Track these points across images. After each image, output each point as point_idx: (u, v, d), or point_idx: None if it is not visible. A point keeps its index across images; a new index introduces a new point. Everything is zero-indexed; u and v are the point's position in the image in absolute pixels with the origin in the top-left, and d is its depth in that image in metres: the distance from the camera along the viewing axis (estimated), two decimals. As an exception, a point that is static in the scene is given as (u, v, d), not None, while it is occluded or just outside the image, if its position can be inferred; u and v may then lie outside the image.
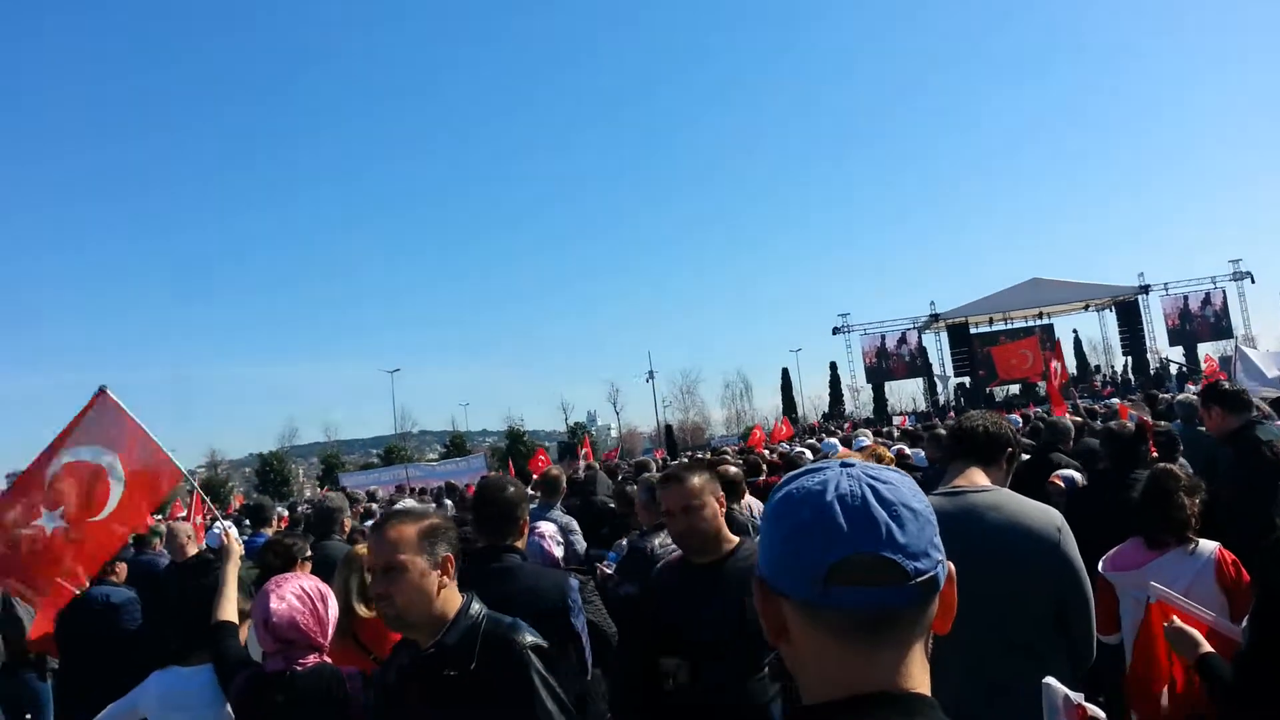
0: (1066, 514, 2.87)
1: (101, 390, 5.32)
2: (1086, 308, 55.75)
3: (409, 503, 6.08)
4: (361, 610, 3.66)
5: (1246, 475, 4.81)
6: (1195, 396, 7.62)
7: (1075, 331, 61.93)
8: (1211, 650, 3.03)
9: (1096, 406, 16.27)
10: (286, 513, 15.72)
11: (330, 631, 3.10)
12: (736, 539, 3.30)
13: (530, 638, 2.48)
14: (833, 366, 70.15)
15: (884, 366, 56.80)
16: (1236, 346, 16.94)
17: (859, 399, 65.93)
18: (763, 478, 9.11)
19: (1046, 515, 2.79)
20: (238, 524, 8.31)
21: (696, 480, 3.24)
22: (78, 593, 6.25)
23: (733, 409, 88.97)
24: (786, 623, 1.06)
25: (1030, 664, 2.60)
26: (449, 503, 11.74)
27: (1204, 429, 5.97)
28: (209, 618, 3.50)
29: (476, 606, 2.53)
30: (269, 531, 7.44)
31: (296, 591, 3.07)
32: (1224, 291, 51.59)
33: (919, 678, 1.03)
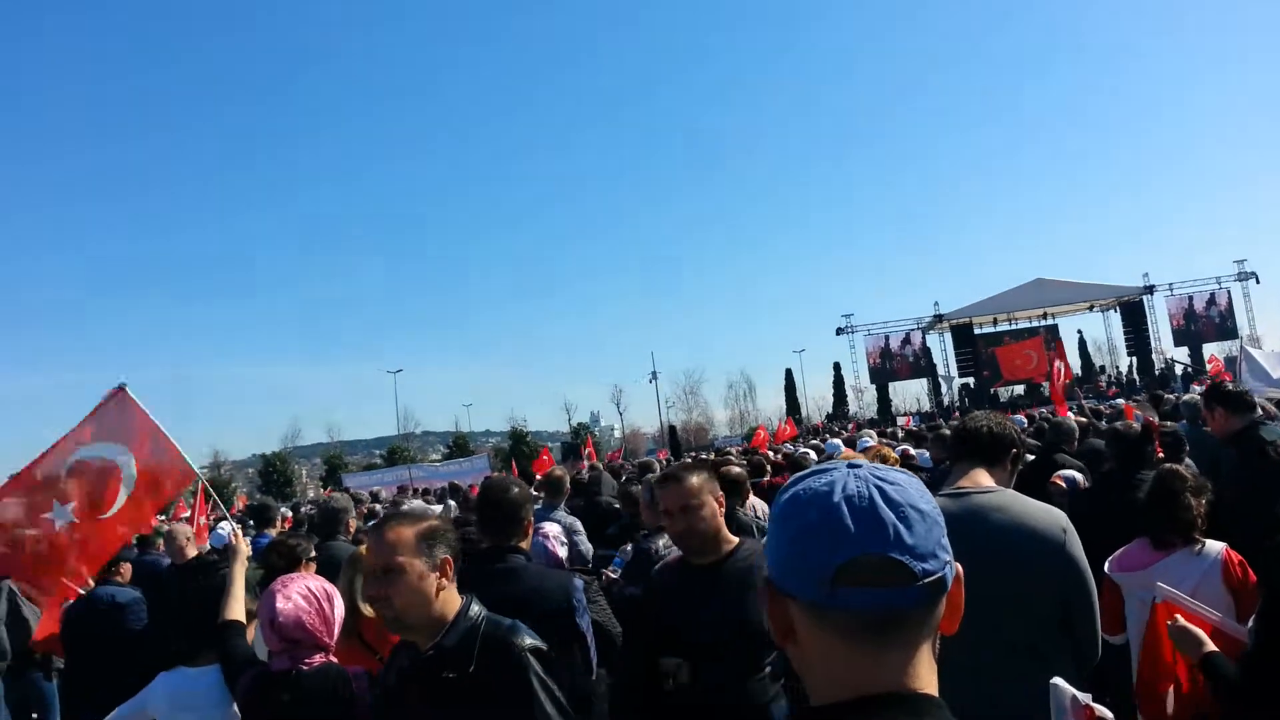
0: (1072, 514, 2.87)
1: (121, 388, 5.33)
2: (1091, 308, 55.75)
3: (417, 504, 6.09)
4: (367, 610, 3.66)
5: (1250, 476, 4.80)
6: (1200, 397, 7.60)
7: (1080, 332, 61.94)
8: (1215, 649, 3.03)
9: (1102, 407, 16.26)
10: (290, 513, 15.72)
11: (336, 631, 3.10)
12: (736, 539, 3.29)
13: (529, 640, 2.47)
14: (836, 367, 70.22)
15: (888, 367, 56.81)
16: (1241, 347, 16.92)
17: (863, 399, 65.90)
18: (767, 478, 9.12)
19: (1051, 516, 2.78)
20: (241, 525, 8.31)
21: (695, 480, 3.23)
22: (82, 593, 6.27)
23: (736, 409, 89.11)
24: (793, 624, 1.06)
25: (1035, 664, 2.60)
26: (452, 503, 11.74)
27: (1209, 429, 5.96)
28: (210, 619, 3.50)
29: (476, 608, 2.52)
30: (272, 532, 7.47)
31: (302, 591, 3.07)
32: (1229, 292, 51.61)
33: (927, 678, 1.03)
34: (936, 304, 54.48)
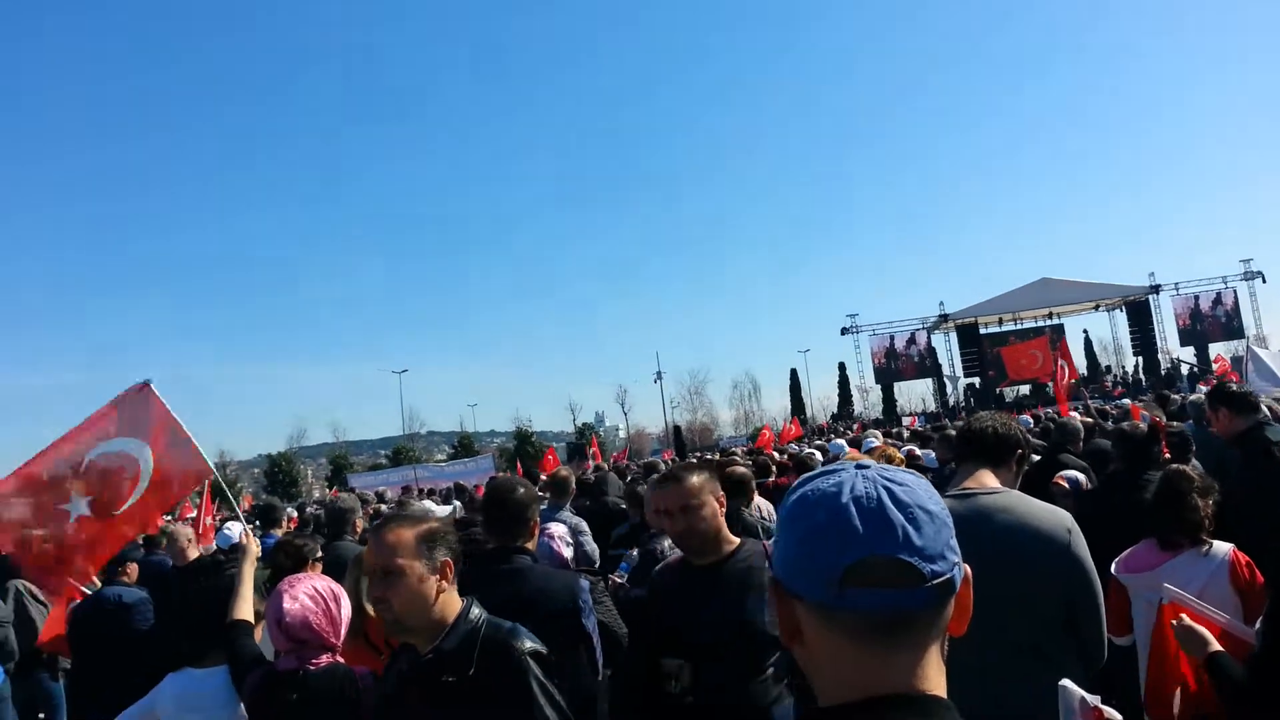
0: (1078, 515, 2.86)
1: (146, 384, 5.36)
2: (1097, 308, 55.65)
3: (426, 504, 6.10)
4: (373, 611, 3.67)
5: (1255, 477, 4.79)
6: (1205, 398, 7.58)
7: (1085, 332, 61.96)
8: (1221, 649, 3.02)
9: (1108, 407, 16.22)
10: (295, 513, 15.75)
11: (343, 631, 3.11)
12: (737, 540, 3.27)
13: (529, 643, 2.45)
14: (841, 367, 70.28)
15: (893, 367, 56.73)
16: (1248, 346, 16.86)
17: (868, 400, 65.84)
18: (772, 479, 9.11)
19: (1057, 517, 2.78)
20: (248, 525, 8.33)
21: (695, 480, 3.21)
22: (88, 593, 6.29)
23: (741, 410, 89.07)
24: (801, 625, 1.06)
25: (1040, 665, 2.60)
26: (458, 503, 11.75)
27: (1213, 430, 5.95)
28: (212, 620, 3.51)
29: (476, 611, 2.51)
30: (279, 532, 7.48)
31: (309, 591, 3.08)
32: (1235, 291, 51.44)
33: (935, 679, 1.03)
34: (942, 304, 54.53)
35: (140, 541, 9.50)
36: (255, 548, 4.03)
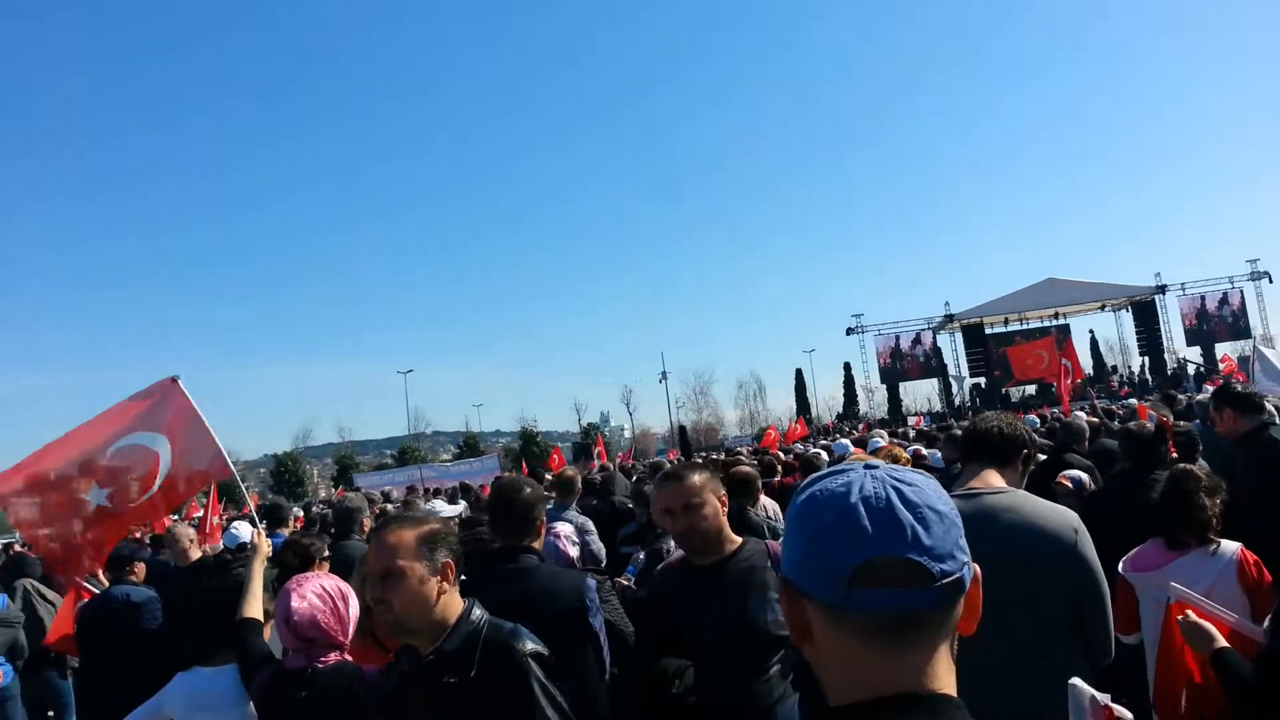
0: (1086, 515, 2.86)
1: (174, 380, 5.39)
2: (1103, 308, 55.55)
3: (437, 503, 6.12)
4: (374, 612, 3.68)
5: (1260, 477, 4.78)
6: (1210, 398, 7.57)
7: (1091, 332, 61.82)
8: (1227, 645, 3.02)
9: (1114, 407, 16.19)
10: (301, 513, 15.78)
11: (351, 630, 3.12)
12: (739, 540, 3.26)
13: (531, 645, 2.45)
14: (847, 367, 70.10)
15: (898, 367, 56.70)
16: (1255, 346, 16.80)
17: (873, 399, 65.84)
18: (778, 478, 9.11)
19: (1063, 517, 2.78)
20: (254, 524, 8.35)
21: (696, 478, 3.20)
22: (96, 592, 6.31)
23: (746, 410, 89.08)
24: (810, 624, 1.06)
25: (1046, 665, 2.60)
26: (464, 503, 11.77)
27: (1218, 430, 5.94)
28: (215, 619, 3.52)
29: (478, 612, 2.50)
30: (285, 532, 7.49)
31: (317, 590, 3.09)
32: (1241, 291, 51.38)
33: (945, 679, 1.03)
34: (947, 304, 54.49)
35: (147, 541, 9.54)
36: (266, 547, 4.04)
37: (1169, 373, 46.48)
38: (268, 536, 5.45)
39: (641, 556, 5.47)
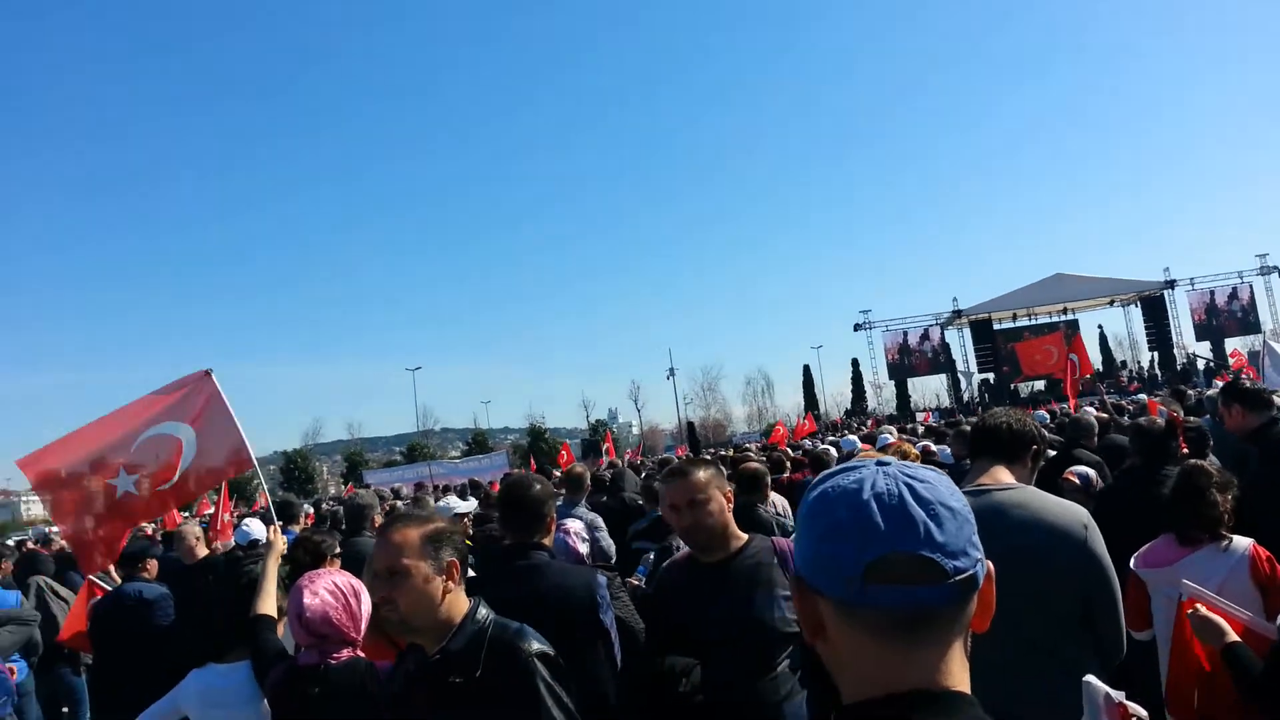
0: (1097, 511, 2.86)
1: (207, 373, 5.43)
2: (1112, 303, 55.35)
3: (451, 500, 6.14)
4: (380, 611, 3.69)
5: (1271, 472, 4.77)
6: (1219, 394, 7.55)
7: (1100, 327, 61.68)
8: (1238, 640, 3.02)
9: (1124, 402, 16.14)
10: (312, 510, 15.82)
11: (363, 626, 3.13)
12: (745, 536, 3.25)
13: (537, 645, 2.43)
14: (854, 363, 70.07)
15: (907, 363, 56.52)
16: (1265, 341, 16.74)
17: (882, 395, 65.63)
18: (787, 475, 9.11)
19: (1073, 513, 2.77)
20: (265, 521, 8.40)
21: (701, 474, 3.19)
22: (109, 589, 6.34)
23: (754, 406, 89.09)
24: (823, 621, 1.06)
25: (1056, 661, 2.61)
26: (473, 500, 11.77)
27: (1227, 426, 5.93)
28: (221, 616, 3.54)
29: (483, 612, 2.49)
30: (296, 529, 7.53)
31: (330, 587, 3.10)
32: (1251, 286, 51.08)
33: (959, 675, 1.03)
34: (955, 299, 54.27)
35: (159, 539, 9.58)
36: (281, 543, 4.06)
37: (1178, 368, 46.29)
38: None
39: (652, 556, 5.48)
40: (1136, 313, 55.00)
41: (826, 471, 1.14)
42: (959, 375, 55.84)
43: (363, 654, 3.12)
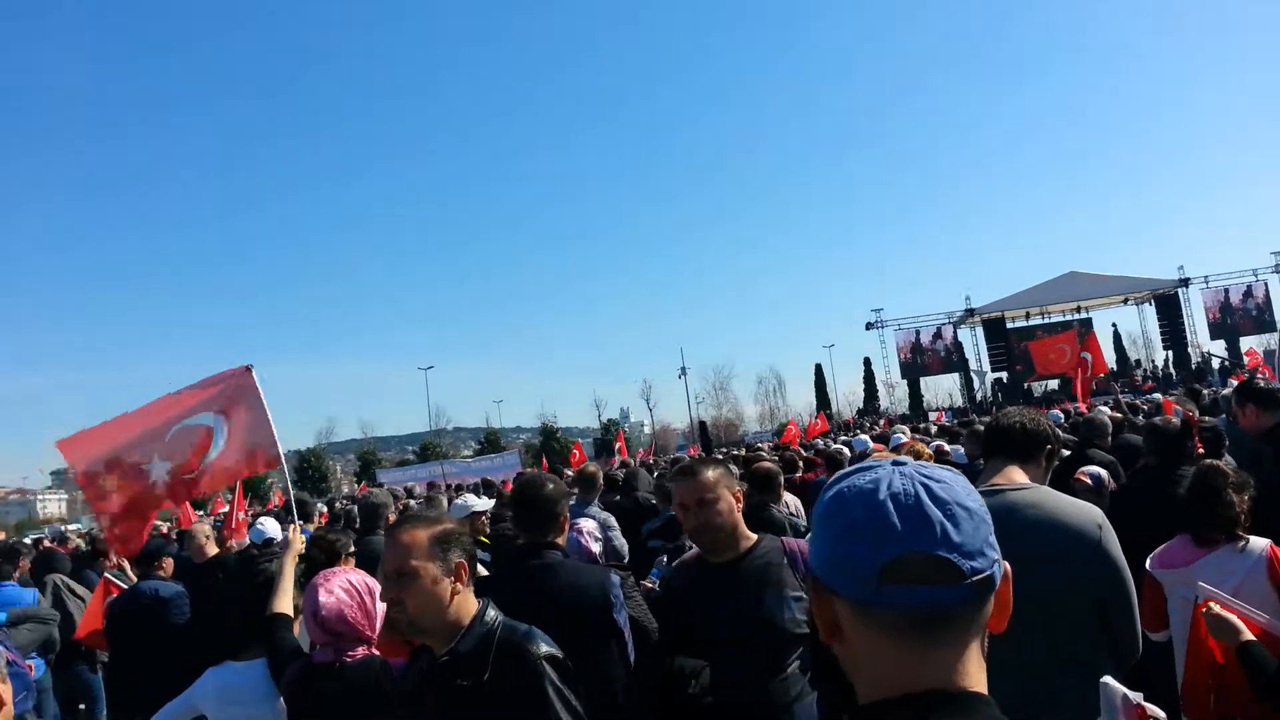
0: (1111, 511, 2.85)
1: (248, 368, 5.49)
2: (1125, 301, 55.07)
3: (469, 498, 6.15)
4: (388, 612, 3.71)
5: (1284, 472, 4.75)
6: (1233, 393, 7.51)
7: (1114, 326, 61.33)
8: (1253, 639, 3.01)
9: (1138, 402, 16.06)
10: (325, 509, 15.88)
11: (378, 624, 3.14)
12: (754, 537, 3.24)
13: (545, 648, 2.43)
14: (867, 362, 69.82)
15: (919, 362, 56.34)
16: (1280, 340, 16.61)
17: (894, 395, 65.43)
18: (799, 474, 9.11)
19: (1087, 513, 2.76)
20: (280, 520, 8.44)
21: (710, 474, 3.18)
22: (125, 587, 6.39)
23: (766, 405, 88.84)
24: (839, 621, 1.06)
25: (1071, 663, 2.60)
26: (489, 498, 11.80)
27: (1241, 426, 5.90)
28: (239, 614, 3.56)
29: (492, 613, 2.49)
30: (310, 527, 7.56)
31: (344, 585, 3.12)
32: (1266, 284, 50.70)
33: (975, 676, 1.03)
34: (968, 298, 54.03)
35: (174, 537, 9.64)
36: (299, 542, 4.08)
37: (1193, 367, 46.02)
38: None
39: (665, 559, 5.48)
40: (1150, 311, 54.65)
41: (842, 471, 1.14)
42: (972, 374, 55.60)
43: (378, 652, 3.14)
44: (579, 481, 7.89)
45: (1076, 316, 52.19)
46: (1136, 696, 1.73)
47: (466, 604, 2.47)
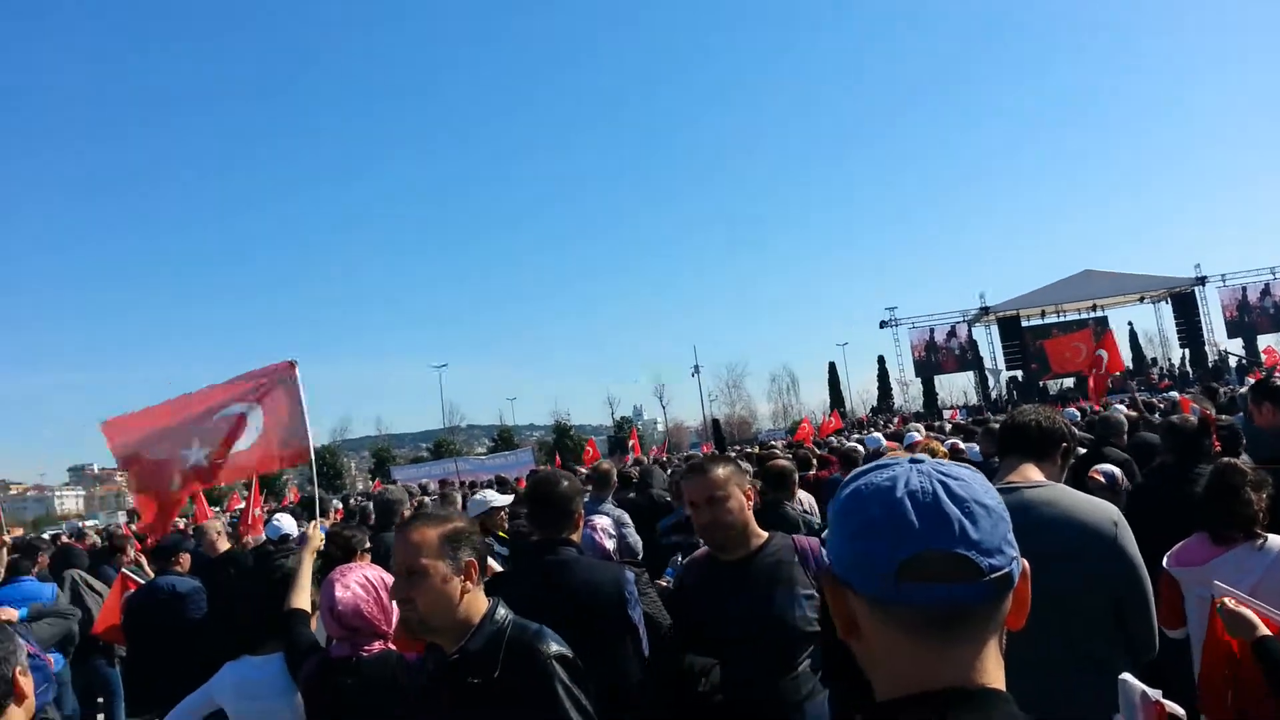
0: (1128, 509, 2.84)
1: (292, 364, 5.55)
2: (1142, 300, 54.77)
3: (487, 493, 6.17)
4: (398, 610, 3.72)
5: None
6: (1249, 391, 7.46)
7: (1130, 324, 60.96)
8: (1269, 633, 2.99)
9: (1154, 400, 15.97)
10: (340, 505, 15.96)
11: (394, 619, 3.16)
12: (765, 534, 3.23)
13: (555, 647, 2.42)
14: (881, 360, 69.64)
15: (933, 360, 56.17)
16: (1299, 338, 16.50)
17: (908, 393, 65.30)
18: (812, 472, 9.09)
19: (1102, 510, 2.75)
20: (295, 517, 8.49)
21: (720, 471, 3.18)
22: (142, 582, 6.44)
23: (779, 403, 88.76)
24: (856, 619, 1.06)
25: (1086, 660, 2.59)
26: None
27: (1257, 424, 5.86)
28: (254, 610, 3.58)
29: (501, 612, 2.48)
30: (325, 523, 7.61)
31: (361, 580, 3.14)
32: (1284, 282, 50.36)
33: (994, 673, 1.03)
34: (982, 296, 53.83)
35: (191, 533, 9.70)
36: (319, 539, 4.10)
37: (1210, 365, 45.72)
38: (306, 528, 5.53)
39: (680, 558, 5.50)
40: (1167, 309, 54.30)
41: (859, 469, 1.13)
42: (987, 372, 55.37)
43: (394, 646, 3.15)
44: (593, 479, 7.90)
45: (1092, 315, 51.94)
46: (1156, 694, 1.72)
47: (476, 602, 2.47)
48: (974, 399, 57.04)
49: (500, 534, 5.98)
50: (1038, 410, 3.11)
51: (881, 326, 56.64)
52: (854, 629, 1.07)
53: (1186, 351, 51.56)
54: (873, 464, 1.13)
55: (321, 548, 4.13)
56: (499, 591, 2.62)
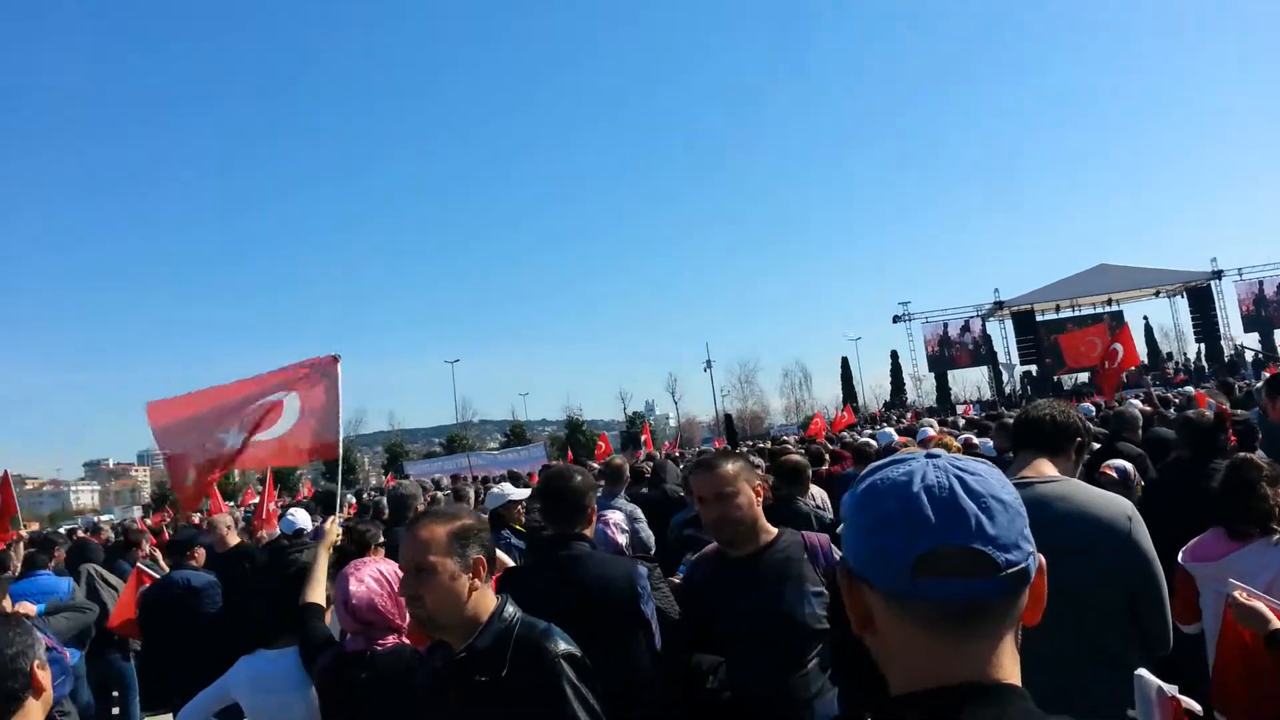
0: (1144, 504, 2.83)
1: (336, 358, 5.60)
2: (1157, 294, 54.39)
3: (505, 487, 6.20)
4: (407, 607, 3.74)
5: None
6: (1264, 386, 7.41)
7: (1146, 318, 60.52)
8: None
9: (1170, 395, 15.89)
10: (354, 500, 16.02)
11: (408, 613, 3.17)
12: (775, 531, 3.22)
13: (564, 645, 2.41)
14: (894, 355, 69.41)
15: (947, 355, 55.97)
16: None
17: (921, 388, 65.06)
18: (825, 467, 9.09)
19: (1117, 505, 2.74)
20: (310, 511, 8.53)
21: (730, 467, 3.17)
22: (157, 576, 6.47)
23: (792, 398, 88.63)
24: (872, 613, 1.06)
25: (1101, 655, 2.59)
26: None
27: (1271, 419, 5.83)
28: (261, 606, 3.60)
29: (510, 610, 2.48)
30: (340, 518, 7.64)
31: (375, 575, 3.15)
32: (1302, 275, 49.98)
33: (1010, 668, 1.03)
34: (997, 290, 53.58)
35: (206, 527, 9.75)
36: (336, 533, 4.12)
37: (1226, 359, 45.43)
38: (322, 523, 5.56)
39: (692, 556, 5.50)
40: (1183, 303, 53.94)
41: (875, 464, 1.13)
42: (1000, 367, 55.11)
43: (408, 640, 3.16)
44: (605, 474, 7.92)
45: (1107, 309, 51.67)
46: (1172, 689, 1.72)
47: (485, 600, 2.47)
48: (988, 394, 56.80)
49: (517, 527, 6.00)
50: (1052, 405, 3.10)
51: (895, 321, 56.51)
52: (869, 624, 1.07)
53: (1202, 346, 51.21)
54: (889, 459, 1.13)
55: (336, 541, 4.15)
56: (513, 586, 2.62)
